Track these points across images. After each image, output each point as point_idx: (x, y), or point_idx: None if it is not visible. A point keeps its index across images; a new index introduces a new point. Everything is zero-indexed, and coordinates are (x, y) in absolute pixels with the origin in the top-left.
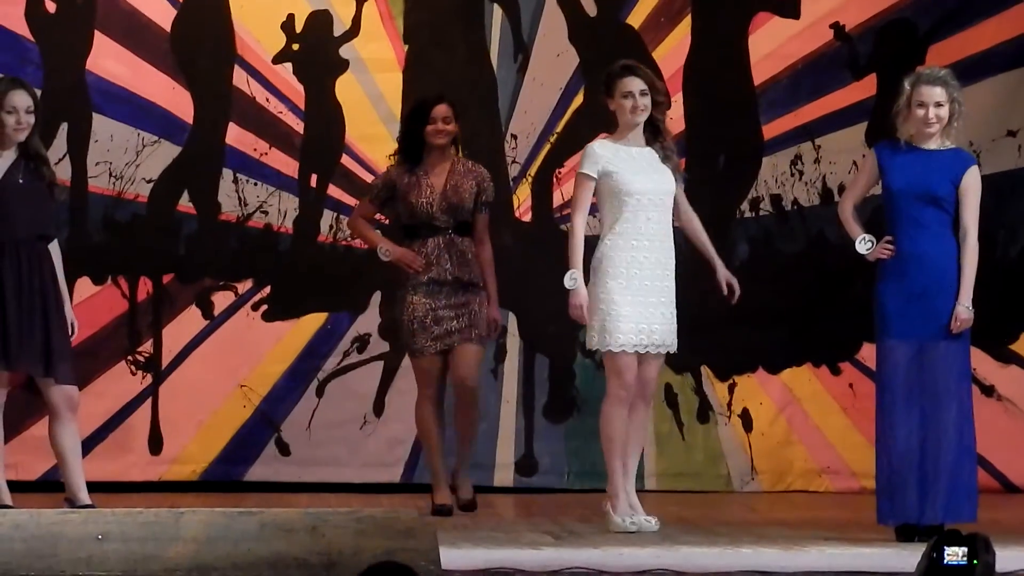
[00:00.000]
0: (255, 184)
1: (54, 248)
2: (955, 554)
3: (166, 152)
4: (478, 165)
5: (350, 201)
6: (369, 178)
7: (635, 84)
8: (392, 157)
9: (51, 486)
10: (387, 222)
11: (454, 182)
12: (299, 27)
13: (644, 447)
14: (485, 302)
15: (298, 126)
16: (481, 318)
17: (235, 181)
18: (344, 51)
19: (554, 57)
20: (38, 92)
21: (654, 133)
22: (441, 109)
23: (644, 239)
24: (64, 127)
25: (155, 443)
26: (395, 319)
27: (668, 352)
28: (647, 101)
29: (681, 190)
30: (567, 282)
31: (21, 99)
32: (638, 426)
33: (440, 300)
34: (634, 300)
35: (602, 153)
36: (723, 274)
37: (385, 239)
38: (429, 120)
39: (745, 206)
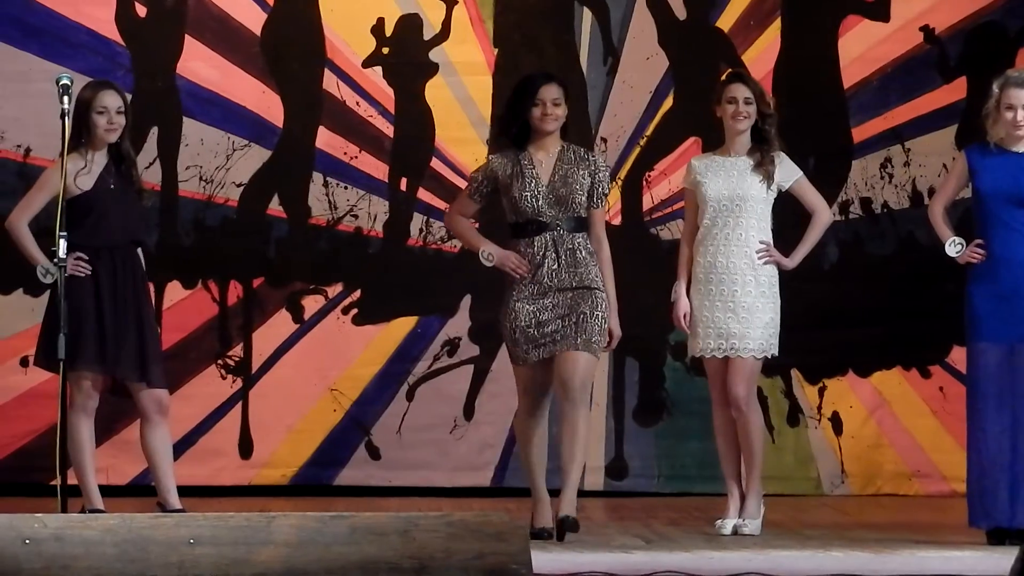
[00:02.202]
0: (345, 188)
1: (139, 253)
2: None
3: (256, 156)
4: (591, 152)
5: (440, 204)
6: (459, 182)
7: (740, 91)
8: (487, 157)
9: (142, 490)
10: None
11: (563, 172)
12: (389, 31)
13: (750, 457)
14: (599, 306)
15: (388, 129)
16: (593, 324)
17: (325, 184)
18: (434, 54)
19: (644, 60)
20: (128, 96)
21: (759, 142)
22: (550, 90)
23: (721, 244)
24: (155, 131)
25: (245, 447)
26: (498, 320)
27: (765, 357)
28: (751, 109)
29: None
30: (671, 295)
31: (112, 99)
32: (741, 436)
33: (546, 306)
34: (712, 305)
35: (695, 165)
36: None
37: (487, 241)
38: (535, 102)
39: (835, 209)
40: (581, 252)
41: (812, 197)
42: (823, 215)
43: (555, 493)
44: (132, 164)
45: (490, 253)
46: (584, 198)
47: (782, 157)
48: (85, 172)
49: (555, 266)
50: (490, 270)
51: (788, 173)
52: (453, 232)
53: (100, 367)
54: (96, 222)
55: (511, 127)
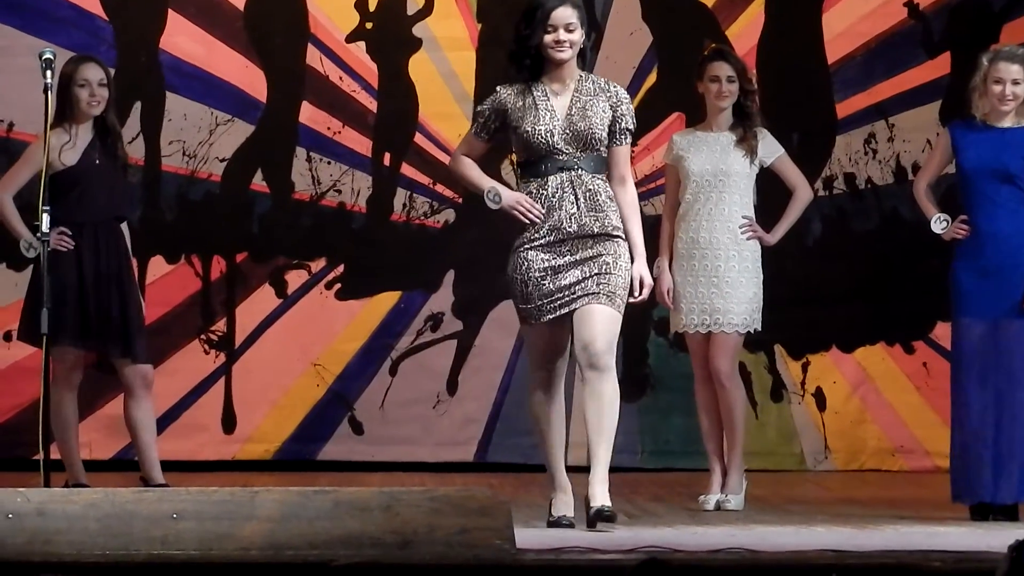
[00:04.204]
0: (328, 163)
1: (123, 228)
2: None
3: (239, 131)
4: (611, 83)
5: (423, 179)
6: (443, 157)
7: (723, 69)
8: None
9: (125, 465)
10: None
11: (581, 104)
12: (372, 6)
13: (732, 432)
14: (622, 255)
15: (371, 105)
16: (616, 275)
17: (308, 160)
18: (417, 29)
19: (627, 35)
20: (111, 71)
21: (741, 118)
22: (564, 12)
23: (704, 220)
24: (138, 106)
25: (228, 422)
26: (506, 278)
27: (748, 332)
28: (733, 87)
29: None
30: (653, 270)
31: (93, 72)
32: (723, 411)
33: (563, 254)
34: (695, 280)
35: (677, 140)
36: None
37: (493, 181)
38: (547, 28)
39: (819, 184)
40: (602, 196)
41: (793, 174)
42: (804, 192)
43: (571, 469)
44: (117, 138)
45: (497, 194)
46: (604, 134)
47: (764, 133)
48: (70, 147)
49: (574, 210)
50: (472, 245)
51: (770, 149)
52: (455, 174)
53: (83, 343)
54: (80, 197)
55: (523, 58)
